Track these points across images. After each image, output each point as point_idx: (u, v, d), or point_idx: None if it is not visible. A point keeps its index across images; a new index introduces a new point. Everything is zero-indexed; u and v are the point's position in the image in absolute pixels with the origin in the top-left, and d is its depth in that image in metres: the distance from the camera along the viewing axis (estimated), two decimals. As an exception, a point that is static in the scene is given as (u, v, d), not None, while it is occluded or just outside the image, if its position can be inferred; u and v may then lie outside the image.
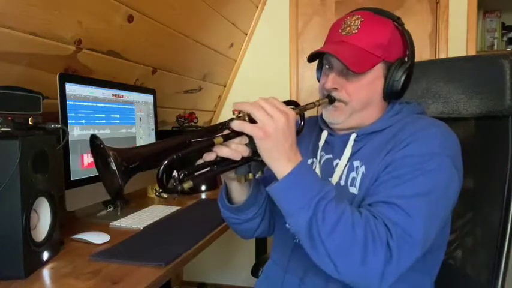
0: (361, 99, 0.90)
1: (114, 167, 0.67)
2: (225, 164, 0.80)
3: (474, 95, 1.09)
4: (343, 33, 0.90)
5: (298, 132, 0.93)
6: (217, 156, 0.78)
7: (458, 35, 2.23)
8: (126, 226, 1.33)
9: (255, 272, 1.40)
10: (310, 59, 0.94)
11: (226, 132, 0.78)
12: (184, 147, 0.74)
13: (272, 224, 1.05)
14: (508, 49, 2.38)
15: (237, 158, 0.78)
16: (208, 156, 0.78)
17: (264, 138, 0.75)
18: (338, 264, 0.73)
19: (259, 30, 2.56)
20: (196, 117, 2.10)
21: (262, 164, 0.80)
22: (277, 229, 1.04)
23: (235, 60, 2.59)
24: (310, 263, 0.78)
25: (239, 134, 0.77)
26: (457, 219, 1.09)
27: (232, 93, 2.65)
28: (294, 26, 2.49)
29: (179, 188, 0.73)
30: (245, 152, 0.79)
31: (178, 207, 1.57)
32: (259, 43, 2.57)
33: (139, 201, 1.71)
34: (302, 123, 0.95)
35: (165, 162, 0.70)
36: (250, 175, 0.85)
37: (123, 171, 0.68)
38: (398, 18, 0.91)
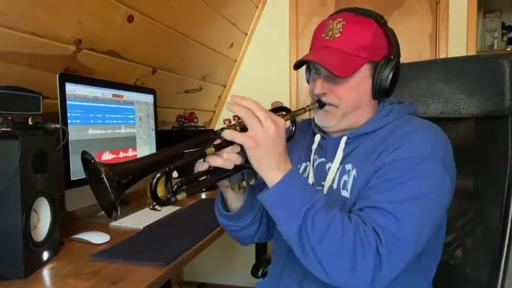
0: (350, 101, 0.89)
1: (106, 183, 0.66)
2: (218, 173, 0.81)
3: (474, 95, 1.09)
4: (326, 37, 0.89)
5: (290, 137, 0.93)
6: (209, 166, 0.79)
7: (458, 35, 2.23)
8: (126, 226, 1.34)
9: (255, 272, 1.40)
10: (297, 66, 0.94)
11: (217, 141, 0.78)
12: (176, 158, 0.74)
13: (271, 229, 1.05)
14: (508, 49, 2.38)
15: (230, 167, 0.79)
16: (201, 167, 0.79)
17: (255, 148, 0.75)
18: (328, 271, 0.74)
19: (259, 30, 2.56)
20: (196, 117, 2.10)
21: (254, 172, 0.81)
22: (276, 233, 1.04)
23: (235, 60, 2.59)
24: (305, 269, 0.78)
25: (230, 143, 0.78)
26: (457, 219, 1.09)
27: (232, 93, 2.65)
28: (294, 26, 2.49)
29: (173, 199, 0.74)
30: (237, 160, 0.79)
31: (178, 207, 1.57)
32: (259, 43, 2.57)
33: (139, 201, 1.71)
34: (294, 128, 0.95)
35: (158, 175, 0.70)
36: (244, 183, 0.86)
37: (115, 186, 0.68)
38: (381, 16, 0.90)
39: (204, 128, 2.21)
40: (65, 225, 1.26)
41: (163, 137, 1.86)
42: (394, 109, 0.93)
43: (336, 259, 0.73)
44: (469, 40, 2.22)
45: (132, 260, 1.03)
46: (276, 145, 0.76)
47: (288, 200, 0.76)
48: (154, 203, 0.74)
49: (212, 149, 0.77)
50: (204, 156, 0.77)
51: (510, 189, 1.00)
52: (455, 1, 2.23)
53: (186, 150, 0.76)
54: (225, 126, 0.79)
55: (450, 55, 2.21)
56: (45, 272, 0.99)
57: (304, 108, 0.91)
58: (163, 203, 0.75)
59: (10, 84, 1.10)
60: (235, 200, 0.94)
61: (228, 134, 0.76)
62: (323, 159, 0.96)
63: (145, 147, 1.73)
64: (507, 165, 1.00)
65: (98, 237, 1.19)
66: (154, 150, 1.79)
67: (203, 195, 1.85)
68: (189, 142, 0.78)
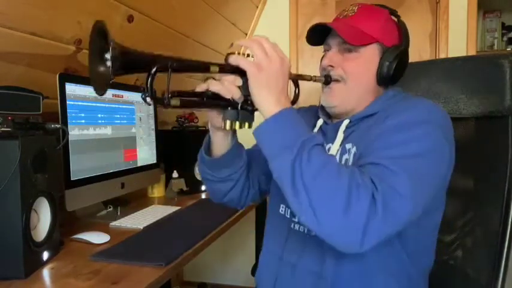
0: (356, 77, 0.91)
1: (109, 57, 0.65)
2: (214, 100, 0.80)
3: (474, 95, 1.09)
4: (340, 17, 0.94)
5: (294, 101, 0.93)
6: (208, 90, 0.79)
7: (458, 35, 2.23)
8: (126, 226, 1.34)
9: (255, 272, 1.40)
10: (311, 39, 0.95)
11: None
12: (181, 62, 0.74)
13: (244, 198, 1.05)
14: (508, 49, 2.38)
15: (228, 95, 0.79)
16: (200, 88, 0.79)
17: (257, 74, 0.75)
18: (319, 212, 0.69)
19: (259, 30, 2.56)
20: (197, 117, 2.10)
21: (251, 116, 0.81)
22: (271, 217, 1.03)
23: (235, 60, 2.58)
24: (303, 248, 0.77)
25: (235, 71, 0.78)
26: (457, 219, 1.09)
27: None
28: (294, 26, 2.49)
29: (166, 101, 0.72)
30: (237, 94, 0.79)
31: (178, 207, 1.57)
32: (259, 43, 2.56)
33: (139, 201, 1.71)
34: (297, 91, 0.96)
35: (158, 66, 0.69)
36: (237, 124, 0.83)
37: (118, 65, 0.66)
38: (395, 10, 0.95)
39: (204, 128, 2.21)
40: (65, 225, 1.26)
41: (163, 137, 1.86)
42: (397, 95, 0.94)
43: (329, 198, 0.69)
44: (469, 40, 2.22)
45: (132, 260, 1.03)
46: (278, 77, 0.76)
47: (284, 131, 0.74)
48: (147, 93, 0.72)
49: (216, 68, 0.76)
50: (206, 69, 0.76)
51: (510, 190, 1.00)
52: (455, 1, 2.23)
53: (192, 60, 0.76)
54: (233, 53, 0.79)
55: (450, 55, 2.21)
56: (45, 272, 0.99)
57: (310, 76, 0.92)
58: (156, 99, 0.72)
59: (10, 84, 1.09)
60: (221, 145, 0.94)
61: (233, 58, 0.77)
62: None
63: (146, 147, 1.73)
64: (507, 166, 1.00)
65: (98, 237, 1.19)
66: (154, 151, 1.79)
67: (203, 195, 1.85)
68: (195, 61, 0.77)
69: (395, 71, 0.90)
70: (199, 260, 1.52)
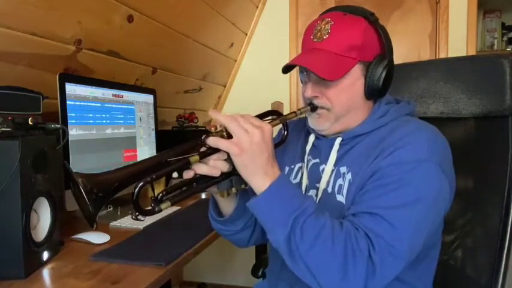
0: (342, 103, 0.87)
1: (84, 196, 0.65)
2: (205, 180, 0.79)
3: (474, 95, 1.09)
4: (314, 39, 0.87)
5: (282, 142, 0.91)
6: (196, 174, 0.77)
7: (458, 35, 2.23)
8: (126, 226, 1.34)
9: (255, 272, 1.40)
10: (285, 70, 0.91)
11: (203, 149, 0.76)
12: (160, 167, 0.73)
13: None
14: (508, 49, 2.38)
15: (216, 174, 0.77)
16: (187, 174, 0.77)
17: (239, 154, 0.73)
18: (319, 279, 0.73)
19: (259, 30, 2.56)
20: (197, 117, 2.10)
21: (243, 178, 0.79)
22: None
23: (235, 60, 2.59)
24: None
25: (216, 150, 0.76)
26: (457, 219, 1.09)
27: (232, 93, 2.65)
28: (294, 26, 2.49)
29: (156, 209, 0.73)
30: (224, 167, 0.77)
31: (178, 207, 1.57)
32: (259, 43, 2.57)
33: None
34: (285, 132, 0.93)
35: (141, 184, 0.69)
36: (233, 189, 0.84)
37: (93, 199, 0.66)
38: (372, 14, 0.87)
39: (204, 128, 2.21)
40: (65, 225, 1.26)
41: (163, 137, 1.86)
42: (390, 109, 0.90)
43: (326, 268, 0.72)
44: (469, 40, 2.22)
45: (132, 260, 1.03)
46: (262, 151, 0.74)
47: (276, 207, 0.74)
48: (137, 213, 0.73)
49: (197, 157, 0.74)
50: (187, 164, 0.74)
51: (510, 190, 1.00)
52: (455, 1, 2.23)
53: (170, 159, 0.74)
54: (211, 132, 0.77)
55: (450, 55, 2.21)
56: (45, 272, 0.99)
57: (295, 112, 0.89)
58: (147, 212, 0.73)
59: (10, 84, 1.09)
60: (226, 205, 0.92)
61: (212, 141, 0.74)
62: (317, 160, 0.94)
63: (145, 148, 1.73)
64: (507, 166, 1.00)
65: (98, 237, 1.19)
66: (154, 151, 1.79)
67: (203, 195, 1.85)
68: (174, 149, 0.76)
69: (384, 84, 0.87)
70: (199, 260, 1.52)
